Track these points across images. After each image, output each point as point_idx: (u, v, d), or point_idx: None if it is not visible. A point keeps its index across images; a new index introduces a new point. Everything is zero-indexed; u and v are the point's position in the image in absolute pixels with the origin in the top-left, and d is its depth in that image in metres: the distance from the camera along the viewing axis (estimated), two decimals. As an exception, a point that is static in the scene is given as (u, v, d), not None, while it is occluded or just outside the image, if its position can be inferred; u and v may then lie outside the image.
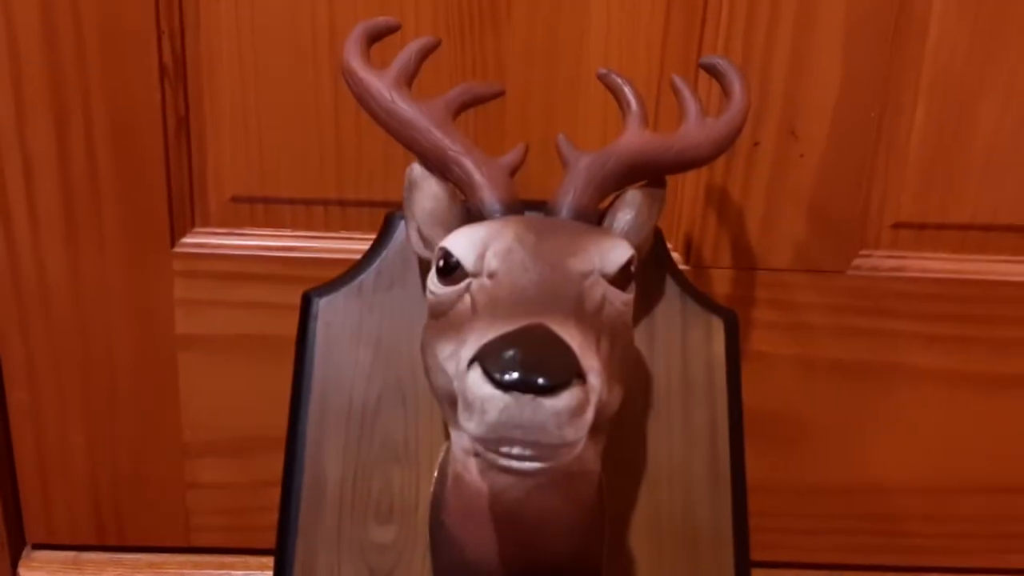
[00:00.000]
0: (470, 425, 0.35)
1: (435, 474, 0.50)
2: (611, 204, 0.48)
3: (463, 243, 0.43)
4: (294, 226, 0.61)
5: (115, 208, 0.59)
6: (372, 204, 0.60)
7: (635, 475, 0.51)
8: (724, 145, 0.50)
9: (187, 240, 0.60)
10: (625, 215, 0.48)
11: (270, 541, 0.66)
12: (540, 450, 0.35)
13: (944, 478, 0.68)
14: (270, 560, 0.67)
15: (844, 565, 0.70)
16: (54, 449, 0.65)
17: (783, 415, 0.66)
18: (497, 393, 0.34)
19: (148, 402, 0.64)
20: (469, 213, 0.47)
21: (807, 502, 0.68)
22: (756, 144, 0.59)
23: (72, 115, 0.57)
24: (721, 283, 0.63)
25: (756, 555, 0.68)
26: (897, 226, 0.62)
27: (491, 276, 0.41)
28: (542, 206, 0.47)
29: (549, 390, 0.34)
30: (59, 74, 0.56)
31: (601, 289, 0.42)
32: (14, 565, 0.67)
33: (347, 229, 0.61)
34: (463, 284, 0.42)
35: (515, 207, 0.46)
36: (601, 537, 0.48)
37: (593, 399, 0.36)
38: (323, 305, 0.52)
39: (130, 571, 0.67)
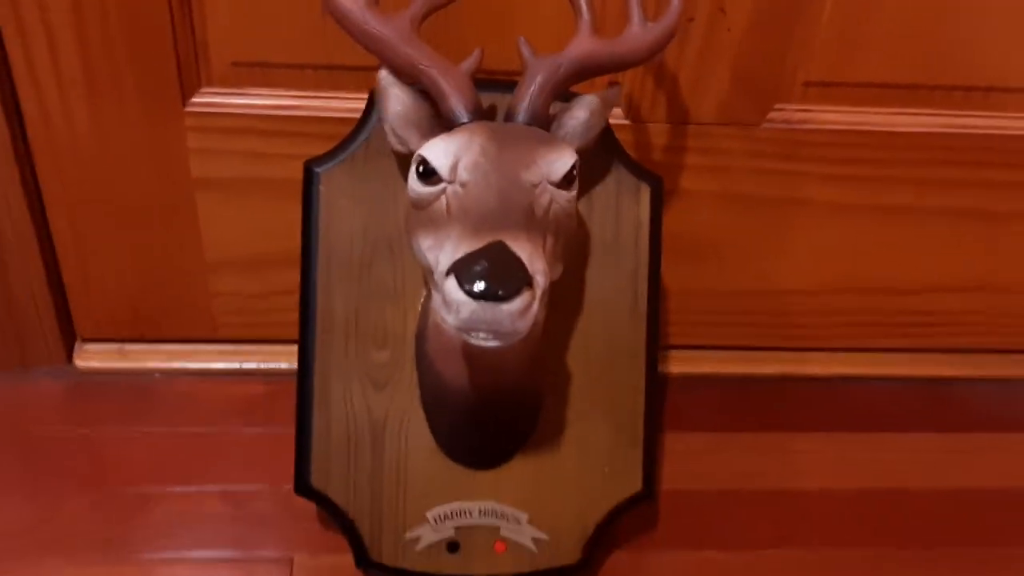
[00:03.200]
0: (448, 318, 0.49)
1: (419, 311, 0.64)
2: (568, 105, 0.58)
3: (439, 153, 0.53)
4: (288, 86, 0.70)
5: (130, 74, 0.67)
6: (355, 68, 0.69)
7: (573, 310, 0.66)
8: (660, 47, 0.59)
9: (196, 100, 0.69)
10: (581, 115, 0.58)
11: (281, 334, 0.82)
12: (499, 336, 0.49)
13: (827, 280, 0.84)
14: (282, 348, 0.83)
15: (745, 347, 0.88)
16: (96, 267, 0.77)
17: (702, 236, 0.80)
18: (468, 300, 0.47)
19: (173, 231, 0.76)
20: (439, 114, 0.57)
21: (714, 301, 0.84)
22: (691, 20, 0.68)
23: (86, -7, 0.64)
24: (657, 135, 0.74)
25: (677, 340, 0.85)
26: (807, 84, 0.73)
27: (463, 185, 0.52)
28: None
29: (505, 298, 0.47)
30: (71, -43, 0.62)
31: (548, 195, 0.53)
32: (69, 356, 0.83)
33: (334, 89, 0.70)
34: (439, 187, 0.53)
35: (477, 110, 0.56)
36: (545, 363, 0.63)
37: (539, 294, 0.49)
38: (323, 174, 0.63)
39: (167, 357, 0.83)
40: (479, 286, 0.47)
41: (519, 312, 0.48)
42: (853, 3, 0.68)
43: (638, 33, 0.58)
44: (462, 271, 0.48)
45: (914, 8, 0.69)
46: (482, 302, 0.47)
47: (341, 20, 0.56)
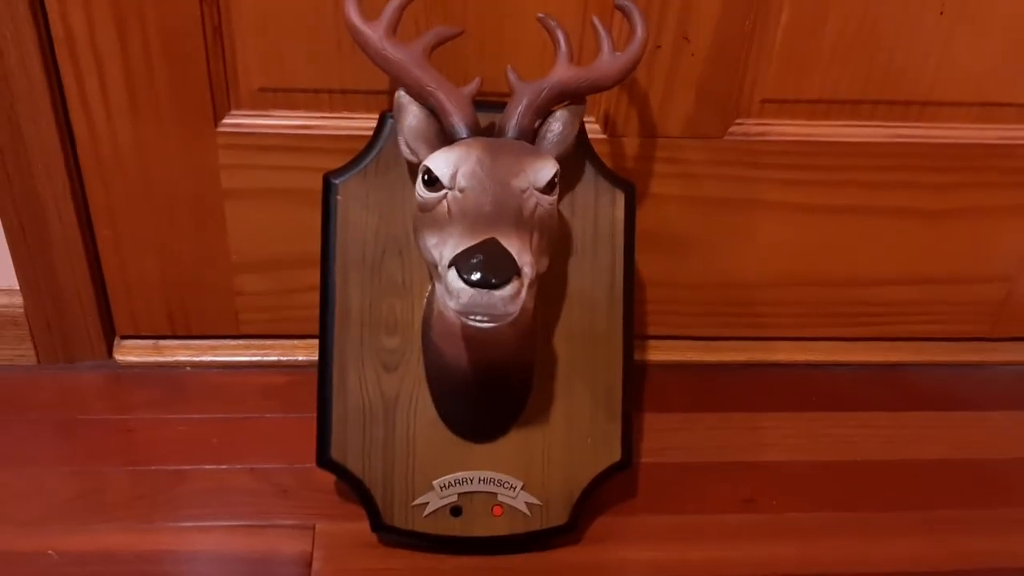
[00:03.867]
0: (451, 303, 0.58)
1: (424, 303, 0.73)
2: (545, 120, 0.68)
3: (441, 164, 0.63)
4: (307, 109, 0.79)
5: (169, 99, 0.77)
6: (365, 92, 0.78)
7: (559, 300, 0.75)
8: (627, 73, 0.69)
9: (227, 121, 0.79)
10: (556, 127, 0.68)
11: (298, 329, 0.91)
12: (493, 318, 0.58)
13: (786, 276, 0.93)
14: (299, 342, 0.93)
15: (713, 337, 0.97)
16: (134, 269, 0.87)
17: (673, 236, 0.89)
18: (466, 287, 0.57)
19: (204, 236, 0.85)
20: (443, 130, 0.66)
21: (688, 294, 0.94)
22: (658, 47, 0.77)
23: (131, 27, 0.73)
24: (631, 147, 0.83)
25: (650, 331, 0.95)
26: (764, 101, 0.82)
27: (462, 191, 0.62)
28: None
29: (498, 285, 0.57)
30: (119, -1, 0.72)
31: (534, 199, 0.63)
32: (109, 351, 0.92)
33: (348, 111, 0.80)
34: (441, 193, 0.63)
35: (475, 127, 0.66)
36: (534, 345, 0.73)
37: (526, 283, 0.59)
38: (340, 185, 0.73)
39: (196, 352, 0.92)
40: (476, 276, 0.56)
41: (510, 297, 0.57)
42: (802, 29, 0.78)
43: (608, 61, 0.68)
44: (461, 263, 0.57)
45: (856, 33, 0.79)
46: (478, 289, 0.56)
47: (363, 46, 0.65)
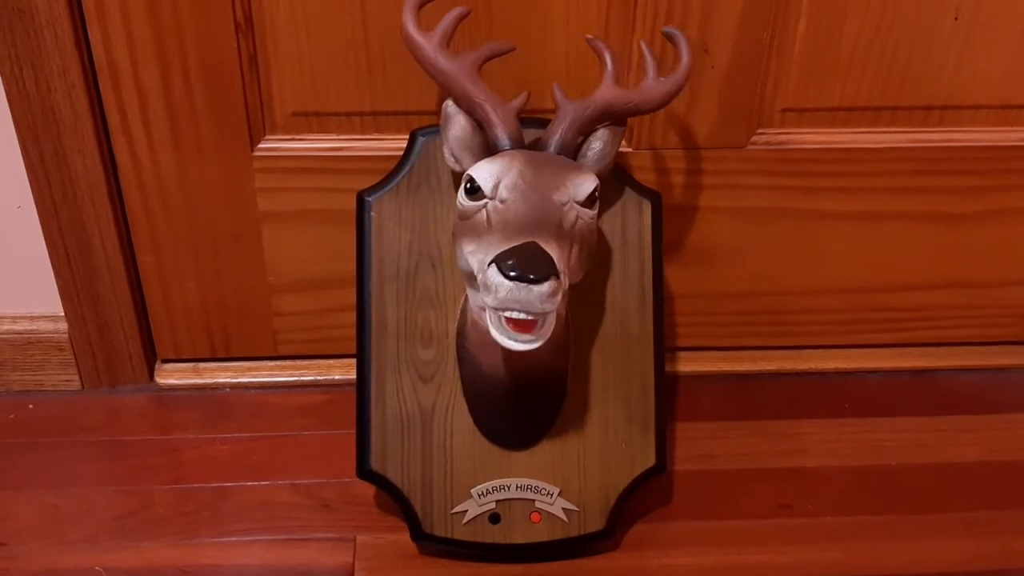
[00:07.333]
0: (488, 299, 0.59)
1: (458, 314, 0.75)
2: (586, 138, 0.69)
3: (483, 174, 0.64)
4: (339, 132, 0.82)
5: (208, 126, 0.80)
6: (395, 113, 0.81)
7: (591, 308, 0.76)
8: (670, 99, 0.70)
9: (262, 146, 0.82)
10: (597, 146, 0.69)
11: (335, 349, 0.93)
12: (529, 313, 0.59)
13: (816, 283, 0.94)
14: (335, 361, 0.94)
15: (743, 346, 0.98)
16: (175, 293, 0.89)
17: (699, 247, 0.91)
18: (505, 282, 0.58)
19: (242, 259, 0.87)
20: (488, 142, 0.68)
21: (717, 304, 0.95)
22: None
23: (172, 60, 0.76)
24: (657, 159, 0.85)
25: (681, 342, 0.96)
26: (785, 110, 0.84)
27: (503, 201, 0.63)
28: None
29: (536, 281, 0.58)
30: (160, 30, 0.75)
31: (574, 212, 0.64)
32: (151, 374, 0.94)
33: (379, 132, 0.82)
34: (482, 202, 0.64)
35: (519, 140, 0.67)
36: (567, 353, 0.74)
37: (562, 287, 0.60)
38: (373, 202, 0.75)
39: (234, 373, 0.94)
40: (515, 271, 0.58)
41: (548, 294, 0.58)
42: (819, 38, 0.80)
43: (652, 86, 0.69)
44: (501, 260, 0.58)
45: (872, 40, 0.80)
46: (517, 283, 0.58)
47: (417, 56, 0.67)
